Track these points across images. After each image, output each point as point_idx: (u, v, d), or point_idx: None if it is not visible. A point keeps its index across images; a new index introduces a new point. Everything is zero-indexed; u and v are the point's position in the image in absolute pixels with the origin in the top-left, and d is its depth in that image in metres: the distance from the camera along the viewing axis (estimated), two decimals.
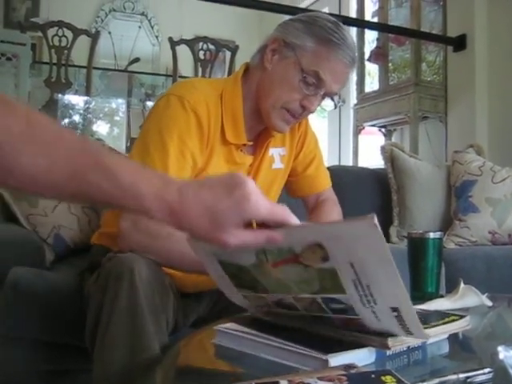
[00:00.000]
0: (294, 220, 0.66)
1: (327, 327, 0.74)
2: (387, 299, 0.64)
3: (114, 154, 0.64)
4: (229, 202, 0.63)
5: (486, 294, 1.11)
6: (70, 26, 3.94)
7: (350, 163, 4.18)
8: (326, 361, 0.66)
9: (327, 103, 1.21)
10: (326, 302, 0.70)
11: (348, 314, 0.69)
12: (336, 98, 1.20)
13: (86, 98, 4.74)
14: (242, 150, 1.21)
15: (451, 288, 1.16)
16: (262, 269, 0.70)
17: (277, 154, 1.30)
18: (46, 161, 0.59)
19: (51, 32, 3.92)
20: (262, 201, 0.65)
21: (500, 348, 0.63)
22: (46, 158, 0.59)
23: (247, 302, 0.80)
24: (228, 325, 0.82)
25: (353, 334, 0.72)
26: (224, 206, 0.63)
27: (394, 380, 0.62)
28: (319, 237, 0.63)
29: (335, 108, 1.24)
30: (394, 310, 0.64)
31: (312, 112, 1.17)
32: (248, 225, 0.66)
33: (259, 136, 1.24)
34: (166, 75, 5.53)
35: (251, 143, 1.22)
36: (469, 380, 0.64)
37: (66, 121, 4.96)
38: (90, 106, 5.20)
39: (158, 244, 0.99)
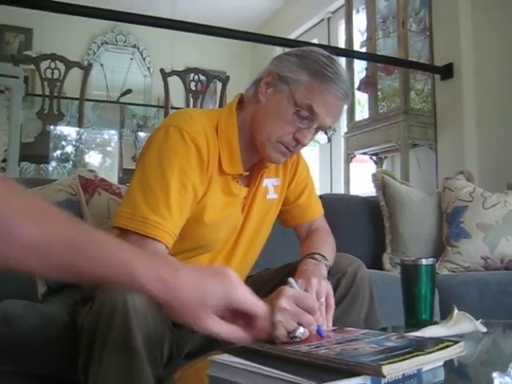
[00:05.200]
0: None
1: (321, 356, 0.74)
2: None
3: (102, 232, 0.68)
4: (219, 288, 0.73)
5: (480, 320, 1.10)
6: (62, 59, 3.98)
7: (342, 191, 4.19)
8: None
9: (321, 136, 1.22)
10: None
11: None
12: (330, 131, 1.21)
13: (78, 129, 4.75)
14: (237, 181, 1.21)
15: (445, 314, 1.16)
16: None
17: (271, 185, 1.30)
18: (44, 230, 0.62)
19: (44, 65, 3.95)
20: (247, 293, 0.76)
21: (495, 374, 0.64)
22: (44, 228, 0.63)
23: None
24: (222, 355, 0.81)
25: (347, 362, 0.72)
26: (215, 290, 0.73)
27: None
28: None
29: (328, 141, 1.26)
30: None
31: (305, 145, 1.18)
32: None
33: (253, 167, 1.25)
34: (158, 106, 5.58)
35: (247, 173, 1.22)
36: None
37: (59, 152, 4.96)
38: (83, 136, 5.21)
39: None
